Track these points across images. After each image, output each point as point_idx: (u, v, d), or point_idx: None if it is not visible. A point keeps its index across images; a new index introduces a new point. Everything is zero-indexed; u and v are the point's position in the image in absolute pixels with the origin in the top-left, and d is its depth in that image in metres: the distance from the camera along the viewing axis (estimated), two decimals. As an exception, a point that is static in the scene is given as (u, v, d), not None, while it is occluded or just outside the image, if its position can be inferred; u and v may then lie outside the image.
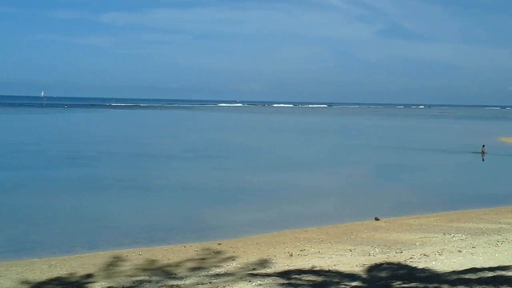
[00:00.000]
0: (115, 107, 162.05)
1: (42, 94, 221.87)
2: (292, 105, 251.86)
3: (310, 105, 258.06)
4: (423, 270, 9.78)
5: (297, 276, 9.78)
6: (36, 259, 12.70)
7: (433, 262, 10.42)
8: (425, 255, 11.35)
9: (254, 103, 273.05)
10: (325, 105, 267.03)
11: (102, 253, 13.19)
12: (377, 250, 12.86)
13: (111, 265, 11.75)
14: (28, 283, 10.53)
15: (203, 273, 10.66)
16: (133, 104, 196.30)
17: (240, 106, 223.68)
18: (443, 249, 11.88)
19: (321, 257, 12.01)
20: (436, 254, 11.31)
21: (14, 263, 12.33)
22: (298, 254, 12.49)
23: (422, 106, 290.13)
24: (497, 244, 12.31)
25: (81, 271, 11.27)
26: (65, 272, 11.27)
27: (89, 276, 10.87)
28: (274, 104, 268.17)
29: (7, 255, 13.19)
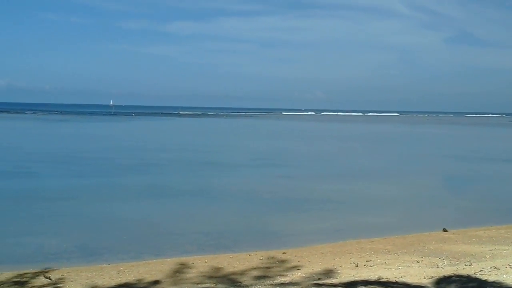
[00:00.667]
0: (181, 115, 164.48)
1: (111, 103, 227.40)
2: (361, 114, 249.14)
3: (379, 114, 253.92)
4: (494, 283, 9.49)
5: (363, 286, 9.65)
6: (105, 265, 12.99)
7: (504, 276, 10.10)
8: (495, 268, 11.02)
9: (319, 111, 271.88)
10: (396, 114, 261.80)
11: (168, 259, 13.37)
12: (445, 262, 12.57)
13: (178, 272, 11.90)
14: (97, 288, 10.80)
15: (268, 281, 10.66)
16: (199, 112, 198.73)
17: (305, 114, 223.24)
18: (514, 262, 11.51)
19: (388, 268, 11.82)
20: (507, 267, 10.97)
21: (84, 268, 12.64)
22: (364, 265, 12.34)
23: (497, 115, 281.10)
24: None
25: (149, 277, 11.45)
26: (133, 278, 11.48)
27: (156, 282, 11.04)
28: (340, 112, 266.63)
29: (78, 260, 13.55)
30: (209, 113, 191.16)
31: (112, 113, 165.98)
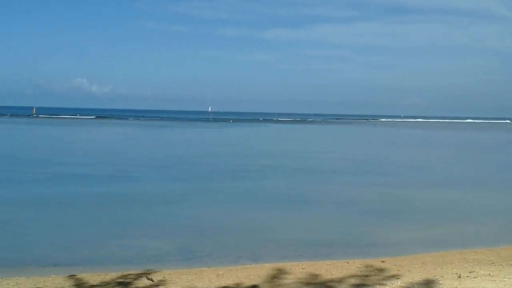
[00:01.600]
0: (278, 121, 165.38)
1: (209, 109, 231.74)
2: (467, 120, 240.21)
3: (486, 120, 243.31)
4: None
5: (466, 299, 9.35)
6: (204, 268, 13.23)
7: None
8: None
9: (418, 118, 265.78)
10: (508, 121, 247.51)
11: (266, 265, 13.45)
12: (554, 275, 11.96)
13: (275, 278, 11.95)
14: (196, 291, 11.01)
15: (367, 290, 10.53)
16: (296, 119, 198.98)
17: (403, 121, 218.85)
18: None
19: (492, 280, 11.39)
20: None
21: (185, 271, 12.91)
22: (467, 276, 11.93)
23: None
24: None
25: (247, 282, 11.56)
26: (232, 282, 11.63)
27: (254, 287, 11.13)
28: (442, 119, 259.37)
29: (178, 263, 13.88)
30: (305, 120, 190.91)
31: (210, 119, 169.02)
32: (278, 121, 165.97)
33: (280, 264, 13.43)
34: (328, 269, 12.90)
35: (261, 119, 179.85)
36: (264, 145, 60.43)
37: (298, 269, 12.82)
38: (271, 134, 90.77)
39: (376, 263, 13.49)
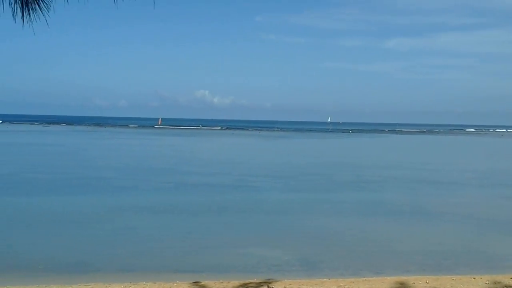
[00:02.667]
0: (399, 132, 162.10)
1: (329, 120, 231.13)
2: None
3: None
4: None
5: None
6: (325, 279, 13.17)
7: None
8: None
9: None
10: None
11: (388, 278, 13.20)
12: None
13: (398, 291, 11.71)
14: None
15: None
16: (421, 129, 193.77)
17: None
18: None
19: None
20: None
21: (305, 281, 12.91)
22: None
23: None
24: None
25: (369, 295, 11.41)
26: (353, 294, 11.52)
27: (376, 300, 10.97)
28: None
29: (299, 273, 13.91)
30: (431, 130, 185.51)
31: (329, 130, 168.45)
32: (399, 132, 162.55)
33: (403, 278, 13.14)
34: (454, 284, 12.47)
35: (386, 130, 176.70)
36: (384, 156, 59.44)
37: (422, 284, 12.48)
38: (391, 145, 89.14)
39: (505, 279, 12.88)
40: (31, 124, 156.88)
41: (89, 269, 14.10)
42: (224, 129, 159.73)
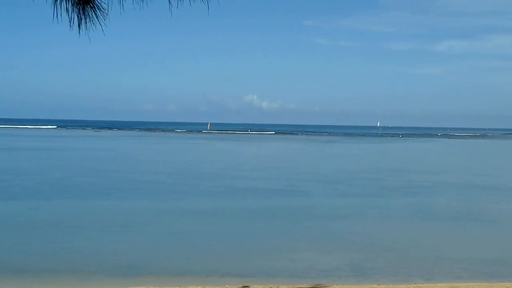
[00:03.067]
0: (451, 136, 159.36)
1: (378, 124, 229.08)
2: None
3: None
4: None
5: None
6: (375, 285, 13.06)
7: None
8: None
9: None
10: None
11: (440, 284, 13.01)
12: None
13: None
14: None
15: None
16: (475, 134, 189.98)
17: None
18: None
19: None
20: None
21: (355, 287, 12.85)
22: None
23: None
24: None
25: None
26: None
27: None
28: None
29: (348, 279, 13.84)
30: (485, 135, 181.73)
31: (379, 134, 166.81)
32: (452, 136, 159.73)
33: (455, 284, 12.94)
34: (507, 292, 12.21)
35: (438, 134, 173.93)
36: (433, 161, 58.53)
37: (475, 291, 12.27)
38: (443, 149, 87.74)
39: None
40: (83, 129, 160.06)
41: (140, 272, 14.31)
42: (272, 133, 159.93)
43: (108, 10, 4.41)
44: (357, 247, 17.32)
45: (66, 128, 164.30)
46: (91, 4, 4.43)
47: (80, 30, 4.41)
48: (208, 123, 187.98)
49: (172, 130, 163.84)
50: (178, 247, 17.20)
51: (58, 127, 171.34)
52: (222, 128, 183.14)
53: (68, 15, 4.38)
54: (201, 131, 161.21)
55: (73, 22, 4.40)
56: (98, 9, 4.44)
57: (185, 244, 17.53)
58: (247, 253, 16.50)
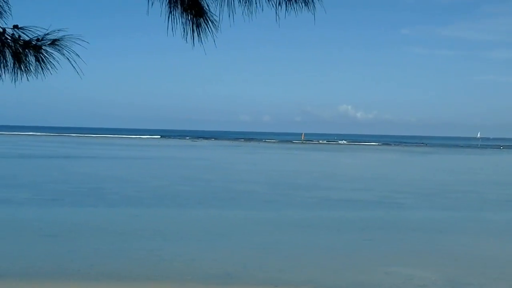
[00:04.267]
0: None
1: (478, 135, 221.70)
2: None
3: None
4: None
5: None
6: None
7: None
8: None
9: None
10: None
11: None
12: None
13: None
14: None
15: None
16: None
17: None
18: None
19: None
20: None
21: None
22: None
23: None
24: None
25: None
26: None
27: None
28: None
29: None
30: None
31: (478, 145, 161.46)
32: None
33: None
34: None
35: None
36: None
37: None
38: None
39: None
40: (180, 139, 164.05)
41: (235, 281, 14.48)
42: (367, 144, 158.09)
43: (219, 23, 4.58)
44: (456, 262, 16.84)
45: (167, 138, 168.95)
46: (204, 17, 4.60)
47: (194, 42, 4.60)
48: (302, 133, 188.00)
49: (267, 140, 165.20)
50: (272, 257, 17.29)
51: (161, 137, 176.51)
52: (316, 138, 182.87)
53: (184, 27, 4.58)
54: (295, 141, 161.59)
55: (187, 34, 4.60)
56: (211, 22, 4.62)
57: (279, 254, 17.60)
58: (341, 265, 16.37)
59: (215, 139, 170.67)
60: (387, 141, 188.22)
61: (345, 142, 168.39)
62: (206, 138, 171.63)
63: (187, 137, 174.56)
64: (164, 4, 4.55)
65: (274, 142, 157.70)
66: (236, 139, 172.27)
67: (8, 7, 4.93)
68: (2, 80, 5.06)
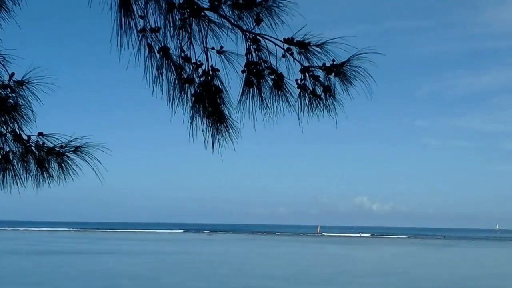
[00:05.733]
0: None
1: (497, 227, 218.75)
2: None
3: None
4: None
5: None
6: None
7: None
8: None
9: None
10: None
11: None
12: None
13: None
14: None
15: None
16: None
17: None
18: None
19: None
20: None
21: None
22: None
23: None
24: None
25: None
26: None
27: None
28: None
29: None
30: None
31: (497, 237, 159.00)
32: None
33: None
34: None
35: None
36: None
37: None
38: None
39: None
40: (196, 232, 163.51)
41: None
42: (384, 236, 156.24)
43: (240, 129, 4.65)
44: None
45: (188, 232, 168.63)
46: (224, 124, 4.68)
47: (214, 149, 4.65)
48: (318, 226, 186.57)
49: (283, 233, 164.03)
50: None
51: (184, 231, 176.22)
52: (332, 231, 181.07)
53: (204, 135, 4.65)
54: (311, 234, 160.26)
55: (208, 141, 4.66)
56: (231, 128, 4.69)
57: None
58: None
59: (232, 232, 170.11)
60: (404, 233, 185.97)
61: (361, 234, 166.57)
62: (223, 231, 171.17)
63: (206, 231, 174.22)
64: (186, 112, 4.64)
65: (290, 235, 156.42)
66: (253, 232, 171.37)
67: (34, 116, 5.06)
68: (25, 187, 5.10)
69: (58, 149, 5.07)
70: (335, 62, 4.58)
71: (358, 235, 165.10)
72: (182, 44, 4.57)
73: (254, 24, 4.53)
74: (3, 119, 4.90)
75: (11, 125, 4.95)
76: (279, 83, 4.66)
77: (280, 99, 4.68)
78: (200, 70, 4.64)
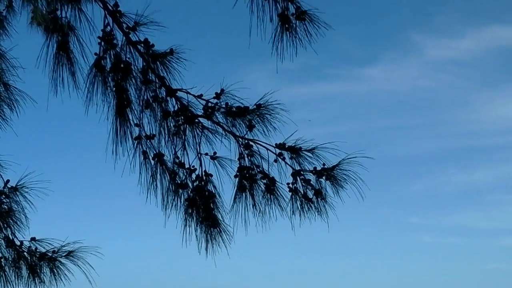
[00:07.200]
0: None
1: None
2: None
3: None
4: None
5: None
6: None
7: None
8: None
9: None
10: None
11: None
12: None
13: None
14: None
15: None
16: None
17: None
18: None
19: None
20: None
21: None
22: None
23: None
24: None
25: None
26: None
27: None
28: None
29: None
30: None
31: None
32: None
33: None
34: None
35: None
36: None
37: None
38: None
39: None
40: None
41: None
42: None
43: (233, 234, 4.65)
44: None
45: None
46: (218, 229, 4.69)
47: (208, 253, 4.64)
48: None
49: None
50: None
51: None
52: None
53: (198, 239, 4.65)
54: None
55: (201, 246, 4.65)
56: (225, 233, 4.69)
57: None
58: None
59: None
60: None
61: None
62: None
63: None
64: (179, 217, 4.66)
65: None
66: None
67: (27, 221, 5.05)
68: (16, 293, 5.03)
69: (50, 254, 5.04)
70: (325, 166, 4.64)
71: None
72: (176, 150, 4.64)
73: (247, 130, 4.62)
74: (-4, 226, 4.91)
75: (4, 231, 4.95)
76: (271, 187, 4.68)
77: (272, 202, 4.68)
78: (193, 175, 4.68)
